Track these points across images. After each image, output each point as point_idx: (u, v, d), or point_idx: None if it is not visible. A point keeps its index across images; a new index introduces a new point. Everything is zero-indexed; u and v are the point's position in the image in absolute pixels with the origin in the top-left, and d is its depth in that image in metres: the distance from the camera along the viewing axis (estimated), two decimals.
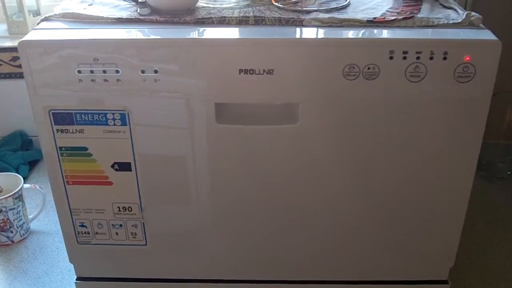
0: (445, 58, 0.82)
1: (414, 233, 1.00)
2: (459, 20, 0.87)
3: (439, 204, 0.96)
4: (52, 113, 0.88)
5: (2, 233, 1.24)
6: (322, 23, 0.88)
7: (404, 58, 0.82)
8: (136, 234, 1.00)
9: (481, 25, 0.87)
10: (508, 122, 1.46)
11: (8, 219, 1.22)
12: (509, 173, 1.48)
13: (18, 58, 1.46)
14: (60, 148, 0.91)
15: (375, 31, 0.86)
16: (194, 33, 0.86)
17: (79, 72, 0.85)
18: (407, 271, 1.04)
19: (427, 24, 0.87)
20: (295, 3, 0.97)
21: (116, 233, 1.00)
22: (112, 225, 0.99)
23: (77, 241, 1.02)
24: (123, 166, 0.93)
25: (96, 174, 0.94)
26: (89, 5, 0.97)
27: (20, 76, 1.51)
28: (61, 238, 1.04)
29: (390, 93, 0.85)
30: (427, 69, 0.83)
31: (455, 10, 0.92)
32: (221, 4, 0.96)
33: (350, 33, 0.86)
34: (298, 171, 0.93)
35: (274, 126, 0.89)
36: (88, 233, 1.00)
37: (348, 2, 0.97)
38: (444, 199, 0.95)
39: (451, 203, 0.96)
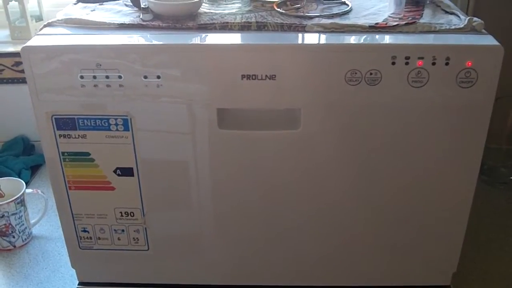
0: (447, 64, 0.82)
1: (416, 238, 0.99)
2: (461, 26, 0.87)
3: (442, 209, 0.96)
4: (55, 118, 0.88)
5: (4, 238, 1.24)
6: (324, 29, 0.88)
7: (406, 63, 0.82)
8: (138, 239, 1.00)
9: (483, 30, 0.87)
10: (510, 127, 1.45)
11: (10, 224, 1.22)
12: (511, 177, 1.48)
13: (20, 63, 1.47)
14: (63, 153, 0.92)
15: (377, 36, 0.86)
16: (196, 39, 0.86)
17: (82, 77, 0.85)
18: (410, 276, 1.04)
19: (429, 30, 0.87)
20: (297, 8, 0.97)
21: (118, 238, 1.00)
22: (114, 230, 0.99)
23: (79, 246, 1.02)
24: (126, 171, 0.93)
25: (99, 179, 0.94)
26: (91, 11, 0.97)
27: (22, 81, 1.51)
28: (63, 243, 1.04)
29: (392, 99, 0.85)
30: (429, 74, 0.83)
31: (457, 15, 0.92)
32: (224, 10, 0.96)
33: (352, 39, 0.86)
34: (300, 176, 0.93)
35: (276, 131, 0.89)
36: (90, 238, 1.00)
37: (350, 7, 0.97)
38: (446, 204, 0.95)
39: (453, 208, 0.96)
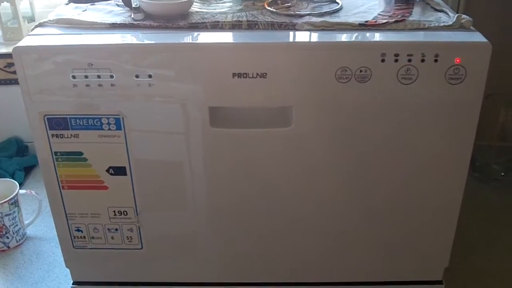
0: (436, 60, 0.83)
1: (408, 234, 1.00)
2: (450, 23, 0.88)
3: (433, 205, 0.97)
4: (47, 118, 0.89)
5: None
6: (314, 27, 0.89)
7: (396, 60, 0.83)
8: (132, 238, 1.01)
9: (471, 27, 0.88)
10: (501, 124, 1.47)
11: (4, 225, 1.22)
12: (503, 174, 1.49)
13: (12, 64, 1.46)
14: (56, 153, 0.92)
15: (367, 34, 0.87)
16: (187, 38, 0.87)
17: (74, 77, 0.85)
18: (402, 271, 1.05)
19: (418, 27, 0.88)
20: (288, 7, 0.98)
21: (112, 237, 1.01)
22: (108, 229, 1.00)
23: (73, 245, 1.02)
24: (118, 171, 0.93)
25: (92, 179, 0.94)
26: (83, 11, 0.98)
27: (14, 82, 1.51)
28: (57, 243, 1.04)
29: (382, 96, 0.86)
30: (419, 71, 0.84)
31: (446, 13, 0.93)
32: (215, 9, 0.97)
33: (343, 37, 0.87)
34: (292, 173, 0.94)
35: (268, 129, 0.90)
36: (84, 237, 1.01)
37: (341, 5, 0.98)
38: (437, 200, 0.96)
39: (444, 204, 0.97)
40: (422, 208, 0.97)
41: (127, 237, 1.01)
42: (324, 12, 0.95)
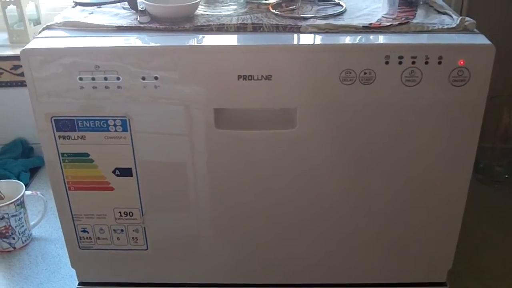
0: (440, 63, 0.83)
1: (412, 236, 1.00)
2: (454, 25, 0.89)
3: (437, 207, 0.97)
4: (54, 120, 0.90)
5: (4, 239, 1.25)
6: (319, 30, 0.89)
7: (400, 63, 0.83)
8: (137, 239, 1.01)
9: (475, 29, 0.89)
10: (505, 126, 1.47)
11: (10, 225, 1.23)
12: (506, 176, 1.49)
13: (19, 66, 1.47)
14: (62, 154, 0.93)
15: (371, 36, 0.88)
16: (193, 40, 0.87)
17: (81, 79, 0.86)
18: (405, 273, 1.05)
19: (422, 29, 0.89)
20: (292, 10, 0.98)
21: (118, 238, 1.01)
22: (114, 230, 1.00)
23: (79, 246, 1.03)
24: (124, 172, 0.94)
25: (98, 180, 0.95)
26: (89, 13, 0.99)
27: (21, 84, 1.52)
28: (63, 244, 1.04)
29: (386, 98, 0.86)
30: (423, 73, 0.84)
31: (449, 15, 0.94)
32: (220, 12, 0.97)
33: (347, 39, 0.87)
34: (296, 175, 0.94)
35: (272, 131, 0.90)
36: (90, 238, 1.01)
37: (345, 8, 0.98)
38: (441, 202, 0.96)
39: (448, 206, 0.97)
40: (426, 210, 0.97)
41: (132, 238, 1.01)
42: (329, 14, 0.96)
